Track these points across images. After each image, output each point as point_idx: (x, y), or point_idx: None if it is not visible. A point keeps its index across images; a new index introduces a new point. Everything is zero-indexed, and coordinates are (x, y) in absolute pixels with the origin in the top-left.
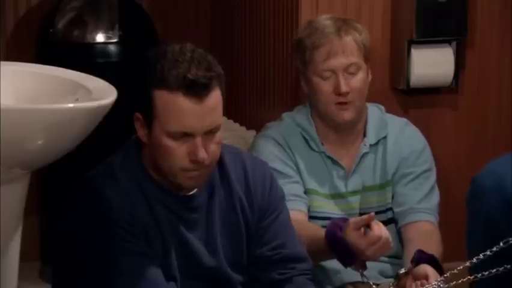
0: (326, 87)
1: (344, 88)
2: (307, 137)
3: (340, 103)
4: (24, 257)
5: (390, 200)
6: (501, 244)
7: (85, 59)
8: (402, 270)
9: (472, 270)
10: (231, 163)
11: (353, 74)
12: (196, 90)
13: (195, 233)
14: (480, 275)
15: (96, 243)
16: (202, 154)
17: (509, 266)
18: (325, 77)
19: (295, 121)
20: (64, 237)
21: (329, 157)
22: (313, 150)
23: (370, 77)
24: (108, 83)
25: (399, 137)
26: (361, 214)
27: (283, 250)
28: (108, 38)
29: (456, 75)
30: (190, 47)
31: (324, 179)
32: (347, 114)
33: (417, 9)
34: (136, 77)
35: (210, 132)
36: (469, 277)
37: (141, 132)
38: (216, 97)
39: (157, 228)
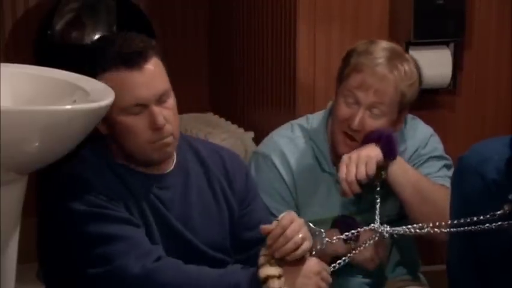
0: (343, 112)
1: (355, 125)
2: (319, 156)
3: (348, 134)
4: (22, 258)
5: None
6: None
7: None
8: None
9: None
10: (205, 151)
11: (375, 115)
12: (135, 60)
13: (172, 211)
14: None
15: (80, 217)
16: (160, 120)
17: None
18: (348, 103)
19: (309, 135)
20: (48, 224)
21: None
22: (324, 171)
23: (401, 126)
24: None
25: (417, 152)
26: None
27: None
28: None
29: (454, 76)
30: (121, 33)
31: (333, 201)
32: (348, 150)
33: (415, 11)
34: (87, 64)
35: (161, 100)
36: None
37: (101, 128)
38: (156, 63)
39: (137, 205)
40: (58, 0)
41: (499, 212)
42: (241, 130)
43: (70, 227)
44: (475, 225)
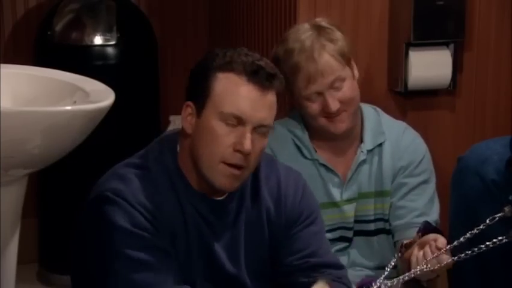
0: (314, 108)
1: (333, 108)
2: (299, 144)
3: (332, 117)
4: (22, 258)
5: (387, 211)
6: (479, 227)
7: (82, 61)
8: (407, 241)
9: (452, 251)
10: (265, 172)
11: (338, 87)
12: (261, 78)
13: (219, 239)
14: (463, 254)
15: (117, 232)
16: (248, 145)
17: (483, 247)
18: (312, 100)
19: (287, 128)
20: (87, 221)
21: (323, 165)
22: (307, 158)
23: (357, 73)
24: (106, 85)
25: (397, 145)
26: (356, 221)
27: (312, 259)
28: (106, 40)
29: (454, 77)
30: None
31: (317, 189)
32: (341, 126)
33: (414, 12)
34: (198, 65)
35: (259, 130)
36: (452, 258)
37: (187, 122)
38: (274, 97)
39: (184, 226)
40: (58, 0)
41: (499, 215)
42: None
43: (107, 240)
44: (477, 246)
